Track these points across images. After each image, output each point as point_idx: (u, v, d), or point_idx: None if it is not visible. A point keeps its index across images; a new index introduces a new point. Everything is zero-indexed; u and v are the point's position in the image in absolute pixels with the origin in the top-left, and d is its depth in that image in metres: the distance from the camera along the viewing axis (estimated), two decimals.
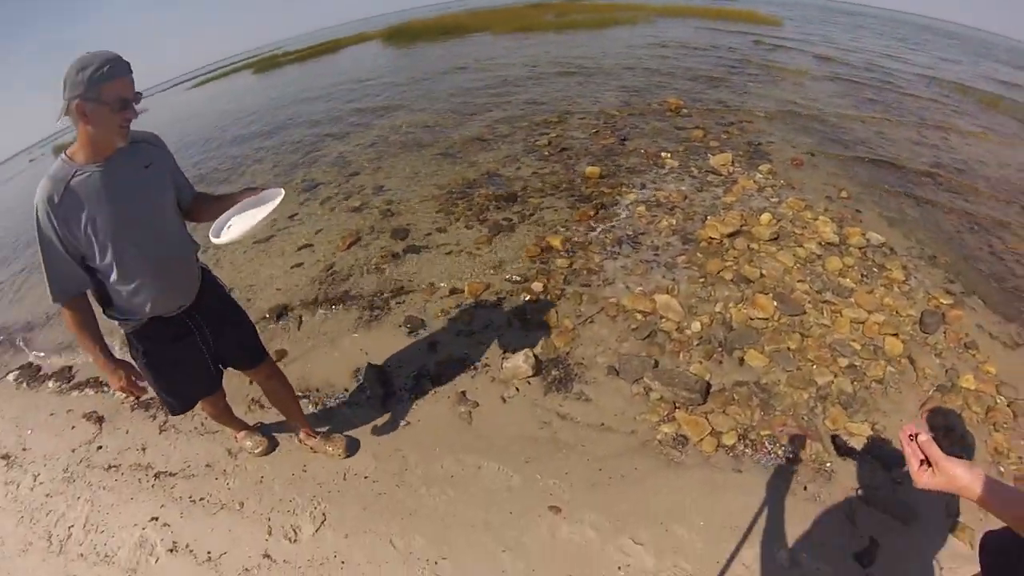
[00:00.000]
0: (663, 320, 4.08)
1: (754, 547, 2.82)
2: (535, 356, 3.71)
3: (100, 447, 3.50)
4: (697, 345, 3.88)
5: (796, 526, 2.93)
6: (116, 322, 2.32)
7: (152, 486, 3.05)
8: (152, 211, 2.18)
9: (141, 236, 2.14)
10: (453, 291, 4.31)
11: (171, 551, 2.68)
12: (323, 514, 2.82)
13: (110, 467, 3.17)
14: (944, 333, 4.01)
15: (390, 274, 4.56)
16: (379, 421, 3.33)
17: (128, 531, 2.75)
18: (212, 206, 2.36)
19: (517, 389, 3.52)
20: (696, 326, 3.99)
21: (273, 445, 3.22)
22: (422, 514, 2.78)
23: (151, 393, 2.54)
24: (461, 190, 5.81)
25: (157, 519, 2.82)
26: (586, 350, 3.82)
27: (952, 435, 3.43)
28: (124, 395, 2.53)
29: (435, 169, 6.49)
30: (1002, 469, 3.33)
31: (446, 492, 2.94)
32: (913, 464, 1.32)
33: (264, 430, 3.38)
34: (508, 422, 3.31)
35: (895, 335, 3.93)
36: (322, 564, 2.63)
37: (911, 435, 1.36)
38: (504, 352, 3.76)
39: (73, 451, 3.32)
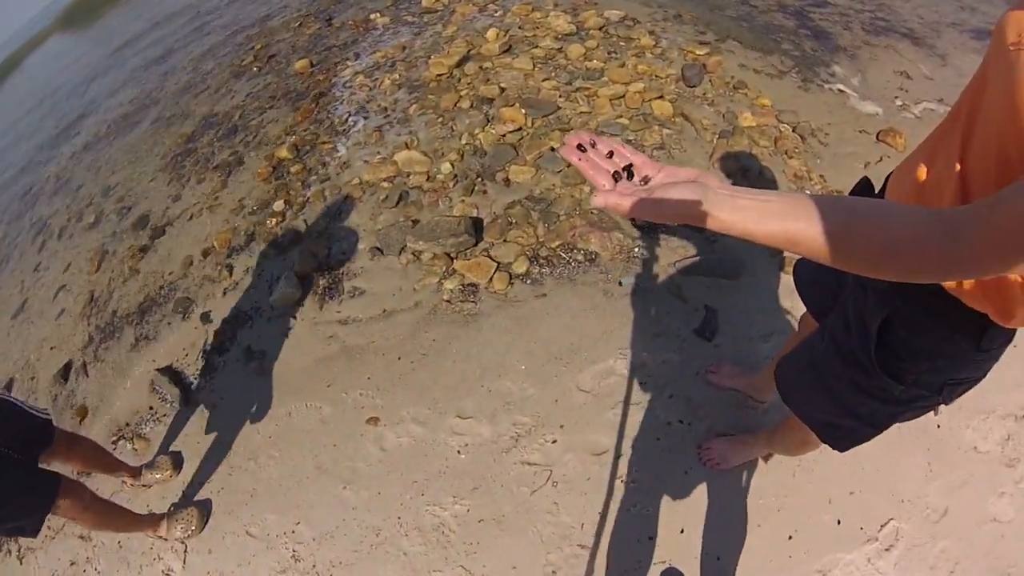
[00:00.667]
0: (410, 177, 3.36)
1: (588, 367, 2.41)
2: (296, 275, 3.10)
3: None
4: (454, 186, 3.24)
5: (624, 326, 2.51)
6: None
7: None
8: None
9: None
10: (206, 252, 3.66)
11: None
12: (182, 543, 2.44)
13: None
14: (710, 82, 3.61)
15: (146, 271, 3.89)
16: (190, 420, 2.90)
17: None
18: None
19: (293, 317, 3.00)
20: (446, 167, 3.32)
21: (205, 509, 2.50)
22: (262, 490, 2.49)
23: None
24: (183, 148, 5.07)
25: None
26: (345, 244, 3.23)
27: (750, 174, 3.05)
28: None
29: (153, 141, 5.60)
30: (808, 191, 2.92)
31: (272, 455, 2.59)
32: (600, 181, 0.84)
33: (178, 504, 2.61)
34: (297, 355, 2.90)
35: (660, 97, 3.47)
36: None
37: (580, 144, 0.89)
38: (269, 287, 3.18)
39: None
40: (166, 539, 2.41)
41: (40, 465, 2.07)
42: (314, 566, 2.19)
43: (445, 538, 2.10)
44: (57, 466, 2.25)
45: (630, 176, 0.83)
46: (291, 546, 2.27)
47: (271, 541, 2.30)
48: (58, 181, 6.24)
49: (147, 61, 8.30)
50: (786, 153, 3.22)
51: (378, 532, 2.18)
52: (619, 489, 2.06)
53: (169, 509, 2.51)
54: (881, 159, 3.24)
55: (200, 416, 2.88)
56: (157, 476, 2.67)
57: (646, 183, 0.81)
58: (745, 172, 3.08)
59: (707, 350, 2.33)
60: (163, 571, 2.41)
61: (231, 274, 3.40)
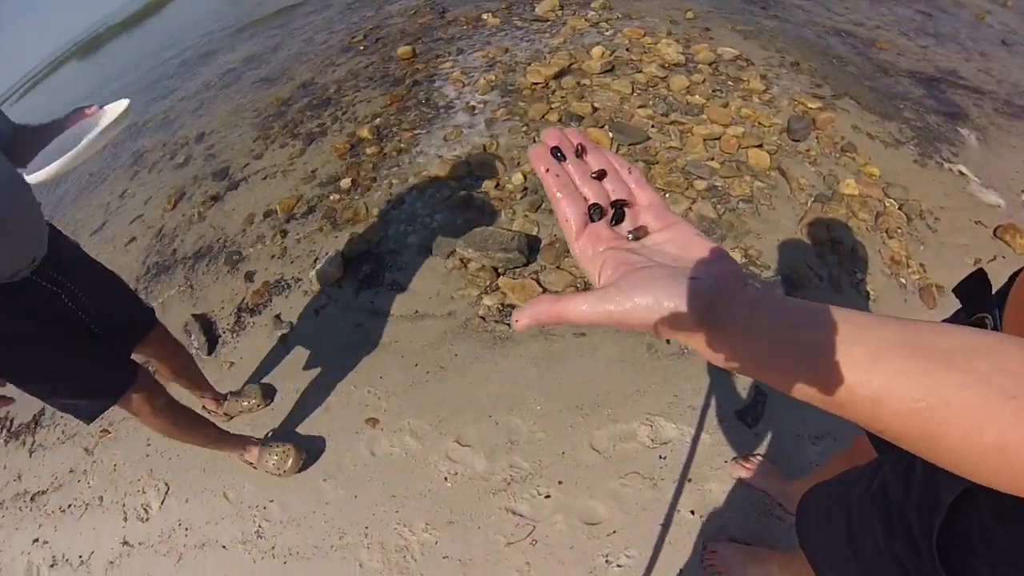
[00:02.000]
0: (480, 181, 3.22)
1: (608, 425, 2.17)
2: (343, 255, 3.01)
3: None
4: (521, 198, 3.06)
5: (659, 389, 2.27)
6: None
7: (31, 510, 2.75)
8: None
9: None
10: (267, 214, 3.65)
11: (52, 566, 2.42)
12: (166, 484, 2.48)
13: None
14: (816, 139, 3.29)
15: (211, 219, 3.96)
16: (207, 371, 2.70)
17: (17, 561, 2.50)
18: (37, 138, 1.75)
19: (328, 296, 2.90)
20: (518, 178, 3.15)
21: (311, 449, 2.38)
22: None
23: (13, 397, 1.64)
24: (277, 111, 5.11)
25: (37, 540, 2.53)
26: (398, 233, 3.11)
27: (840, 248, 2.71)
28: None
29: (253, 99, 5.74)
30: (903, 281, 2.62)
31: (267, 427, 2.52)
32: (566, 214, 0.54)
33: (278, 435, 2.52)
34: (322, 334, 2.82)
35: (759, 146, 3.18)
36: (170, 536, 2.32)
37: (558, 149, 0.57)
38: (315, 261, 3.11)
39: None
40: (255, 466, 2.30)
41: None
42: (273, 548, 2.10)
43: (405, 563, 1.93)
44: (140, 361, 2.07)
45: (616, 218, 0.53)
46: (259, 520, 2.20)
47: (242, 510, 2.24)
48: (164, 118, 6.51)
49: (269, 25, 8.58)
50: (887, 231, 2.86)
51: (342, 535, 2.04)
52: (600, 568, 1.80)
53: (267, 435, 2.45)
54: (995, 258, 2.84)
55: (218, 371, 2.84)
56: (244, 404, 2.58)
57: (637, 238, 0.52)
58: (835, 245, 2.75)
59: (745, 438, 2.03)
60: (142, 504, 2.43)
61: (283, 239, 3.35)
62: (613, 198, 0.55)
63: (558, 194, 0.54)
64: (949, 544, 0.74)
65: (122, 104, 1.72)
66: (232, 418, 2.57)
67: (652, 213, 0.54)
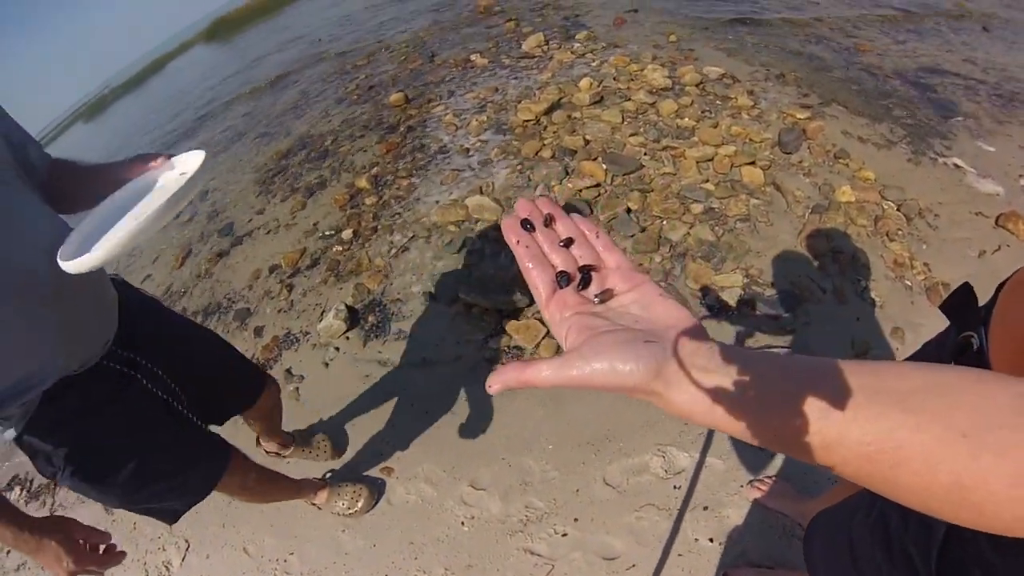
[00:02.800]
0: (478, 223, 3.26)
1: (620, 460, 2.18)
2: (347, 307, 3.06)
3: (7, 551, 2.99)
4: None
5: (669, 420, 2.25)
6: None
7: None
8: None
9: None
10: (272, 269, 3.72)
11: None
12: (186, 541, 2.46)
13: (19, 567, 2.70)
14: (808, 149, 3.33)
15: (218, 275, 4.05)
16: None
17: None
18: (85, 183, 1.37)
19: (337, 348, 2.95)
20: None
21: (375, 488, 2.35)
22: (268, 511, 2.40)
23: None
24: (277, 165, 5.27)
25: None
26: (401, 283, 3.16)
27: (842, 257, 2.72)
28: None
29: (253, 154, 5.92)
30: (908, 283, 2.61)
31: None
32: (536, 282, 0.58)
33: (339, 473, 2.52)
34: (332, 386, 2.82)
35: (752, 163, 3.21)
36: None
37: (527, 221, 0.62)
38: (321, 314, 3.15)
39: None
40: (320, 508, 2.22)
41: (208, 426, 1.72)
42: None
43: None
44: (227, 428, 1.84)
45: (584, 283, 0.56)
46: (279, 573, 2.20)
47: (263, 564, 2.25)
48: None
49: (266, 79, 8.82)
50: (887, 235, 2.86)
51: None
52: None
53: (325, 476, 2.41)
54: (999, 248, 2.81)
55: (232, 425, 2.80)
56: (312, 454, 2.43)
57: (602, 301, 0.55)
58: (837, 255, 2.75)
59: (759, 461, 2.02)
60: (163, 562, 2.42)
61: (290, 293, 3.42)
62: (581, 263, 0.58)
63: (528, 264, 0.58)
64: (948, 569, 0.75)
65: (197, 157, 1.32)
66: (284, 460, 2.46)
67: (619, 275, 0.56)
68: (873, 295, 2.61)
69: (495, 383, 0.50)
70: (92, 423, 1.33)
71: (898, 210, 2.99)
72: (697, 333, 0.47)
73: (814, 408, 0.39)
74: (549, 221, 0.61)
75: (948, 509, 0.36)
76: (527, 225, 0.60)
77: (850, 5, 5.47)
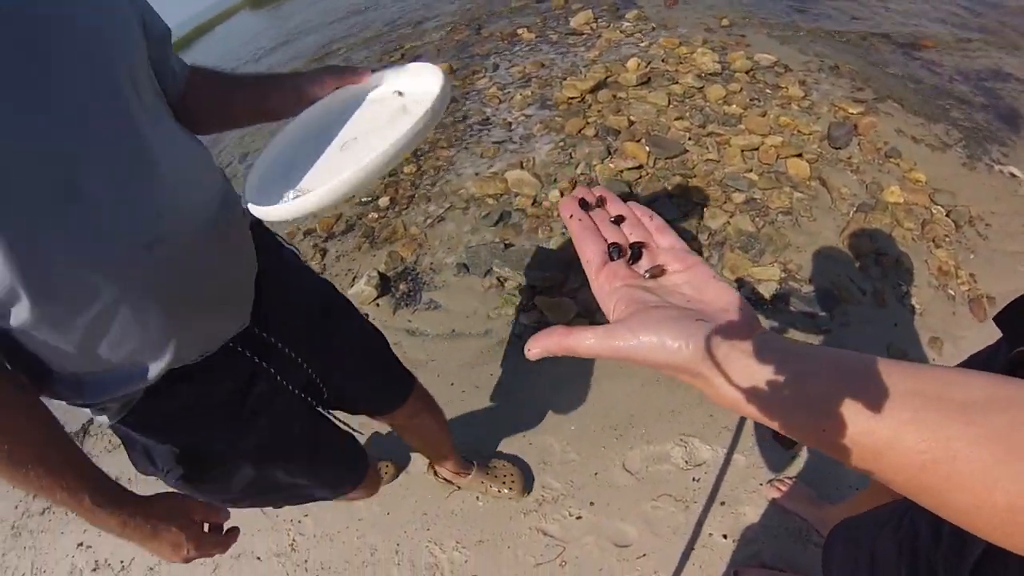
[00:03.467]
0: (517, 198, 3.25)
1: (641, 446, 2.15)
2: (380, 274, 3.05)
3: (35, 495, 2.86)
4: (558, 216, 3.01)
5: (694, 410, 2.23)
6: (90, 408, 0.97)
7: (76, 516, 2.38)
8: (109, 114, 0.80)
9: (88, 187, 0.77)
10: (307, 232, 3.71)
11: (94, 570, 2.44)
12: None
13: (44, 511, 2.80)
14: (858, 145, 3.22)
15: None
16: None
17: (62, 563, 2.54)
18: (238, 97, 1.11)
19: (366, 315, 2.88)
20: (555, 195, 3.17)
21: (398, 461, 2.32)
22: None
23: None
24: None
25: (81, 544, 2.57)
26: (435, 253, 3.15)
27: (885, 260, 2.64)
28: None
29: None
30: (951, 292, 2.53)
31: None
32: (588, 253, 0.57)
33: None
34: None
35: (799, 156, 3.12)
36: None
37: (584, 200, 0.62)
38: (353, 280, 3.15)
39: (16, 507, 2.90)
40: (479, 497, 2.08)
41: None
42: (306, 561, 2.13)
43: None
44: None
45: (634, 257, 0.55)
46: (293, 534, 2.22)
47: (277, 523, 2.27)
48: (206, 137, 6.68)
49: (308, 47, 8.76)
50: (933, 241, 2.75)
51: (374, 551, 2.07)
52: None
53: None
54: None
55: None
56: (494, 490, 2.06)
57: (653, 276, 0.53)
58: (879, 257, 2.67)
59: (781, 460, 1.99)
60: None
61: (323, 258, 3.42)
62: (632, 240, 0.56)
63: (579, 235, 0.57)
64: None
65: (433, 74, 0.96)
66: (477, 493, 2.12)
67: (671, 255, 0.54)
68: (914, 302, 2.53)
69: (535, 347, 0.49)
70: (209, 425, 1.08)
71: (947, 216, 2.88)
72: (750, 319, 0.46)
73: (869, 407, 0.36)
74: (601, 203, 0.61)
75: (999, 532, 0.34)
76: (583, 205, 0.60)
77: (912, 2, 5.23)
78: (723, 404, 0.43)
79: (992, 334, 2.25)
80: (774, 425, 0.41)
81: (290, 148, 0.99)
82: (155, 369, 0.92)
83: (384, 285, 3.03)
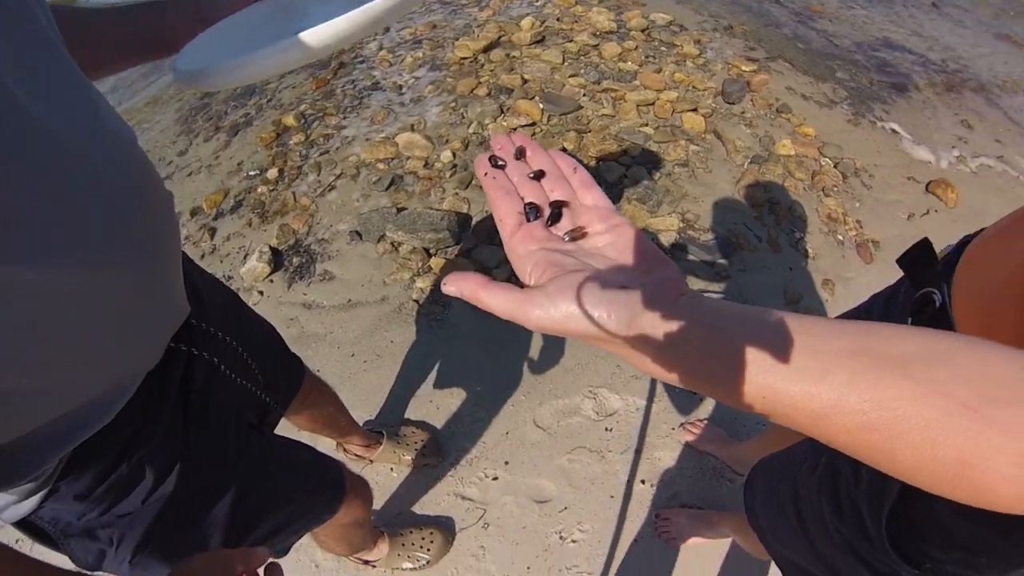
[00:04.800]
0: (408, 161, 3.13)
1: (550, 401, 2.13)
2: (272, 249, 2.90)
3: None
4: (450, 176, 3.00)
5: (601, 361, 2.23)
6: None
7: None
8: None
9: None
10: (194, 212, 3.47)
11: None
12: None
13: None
14: (751, 101, 3.31)
15: None
16: None
17: None
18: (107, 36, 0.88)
19: (261, 292, 2.80)
20: (447, 155, 3.08)
21: (447, 532, 1.90)
22: None
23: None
24: (200, 103, 4.83)
25: None
26: (327, 223, 3.03)
27: (778, 209, 2.74)
28: None
29: (175, 92, 5.41)
30: (840, 238, 2.67)
31: None
32: (501, 213, 0.53)
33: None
34: None
35: (694, 110, 3.16)
36: None
37: (495, 158, 0.57)
38: (244, 257, 2.97)
39: None
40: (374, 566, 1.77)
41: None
42: None
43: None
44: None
45: (553, 219, 0.51)
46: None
47: None
48: None
49: None
50: (823, 190, 2.91)
51: (298, 545, 1.95)
52: (555, 546, 1.78)
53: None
54: (928, 212, 2.93)
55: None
56: (406, 457, 1.93)
57: (574, 239, 0.49)
58: (773, 205, 2.77)
59: (691, 404, 2.03)
60: None
61: (212, 237, 3.20)
62: (552, 199, 0.53)
63: (494, 196, 0.53)
64: (900, 529, 0.75)
65: None
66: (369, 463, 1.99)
67: (595, 214, 0.51)
68: (807, 247, 2.65)
69: (452, 285, 0.46)
70: (162, 453, 0.82)
71: (835, 167, 3.04)
72: (676, 281, 0.43)
73: (810, 371, 0.35)
74: (521, 154, 0.56)
75: (946, 485, 0.34)
76: (498, 162, 0.56)
77: None
78: (650, 374, 0.42)
79: (877, 275, 2.38)
80: (713, 393, 0.39)
81: (232, 30, 0.83)
82: (119, 393, 0.72)
83: (277, 260, 2.88)
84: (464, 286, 0.45)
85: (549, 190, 0.54)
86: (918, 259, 0.89)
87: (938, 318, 0.77)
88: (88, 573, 0.79)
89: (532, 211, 0.51)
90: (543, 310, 0.41)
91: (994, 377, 0.33)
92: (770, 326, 0.37)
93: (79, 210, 0.58)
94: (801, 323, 0.37)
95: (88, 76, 0.70)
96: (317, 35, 0.66)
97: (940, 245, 0.90)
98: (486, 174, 0.55)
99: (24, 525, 0.73)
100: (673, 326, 0.38)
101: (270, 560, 0.84)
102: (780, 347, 0.36)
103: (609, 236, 0.49)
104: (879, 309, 1.03)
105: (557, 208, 0.51)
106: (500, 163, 0.56)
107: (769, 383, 0.36)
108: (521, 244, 0.49)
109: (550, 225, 0.51)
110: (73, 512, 0.75)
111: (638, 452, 1.92)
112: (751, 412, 0.38)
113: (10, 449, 0.60)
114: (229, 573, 0.75)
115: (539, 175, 0.54)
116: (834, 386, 0.34)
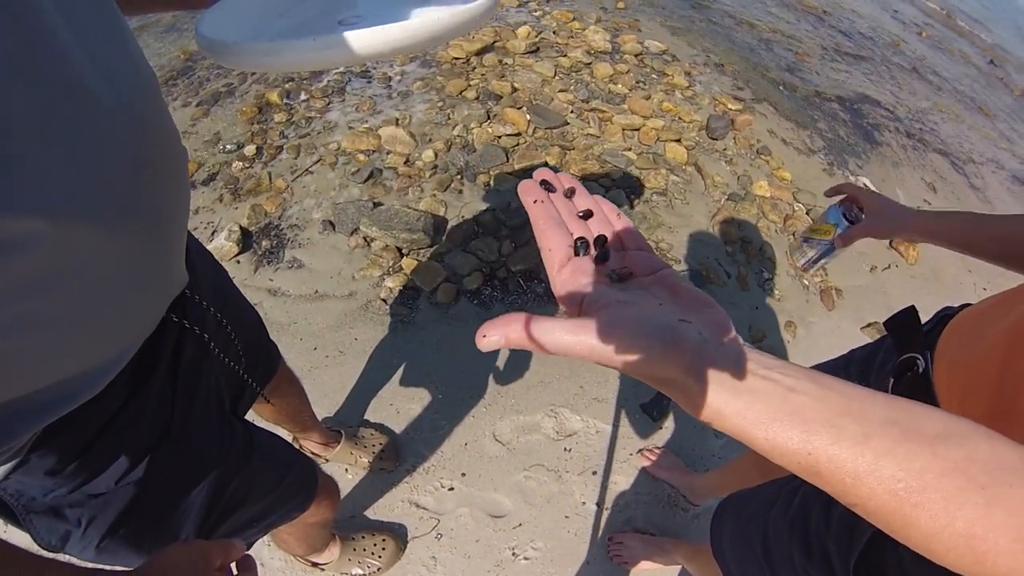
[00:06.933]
0: (389, 155, 3.12)
1: (511, 416, 2.14)
2: (241, 229, 2.85)
3: None
4: (430, 176, 3.00)
5: (564, 380, 2.26)
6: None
7: None
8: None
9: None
10: None
11: None
12: None
13: None
14: (734, 139, 3.41)
15: None
16: None
17: None
18: None
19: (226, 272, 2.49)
20: (428, 155, 3.08)
21: (399, 540, 1.86)
22: None
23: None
24: (183, 66, 4.69)
25: None
26: (301, 208, 2.98)
27: (750, 248, 2.82)
28: None
29: (154, 52, 5.11)
30: (806, 283, 2.77)
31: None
32: (550, 243, 0.52)
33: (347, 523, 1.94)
34: None
35: (678, 141, 3.24)
36: None
37: (546, 182, 0.57)
38: (212, 234, 2.89)
39: None
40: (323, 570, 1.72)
41: None
42: None
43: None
44: None
45: (602, 257, 0.51)
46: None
47: None
48: None
49: None
50: (793, 235, 3.01)
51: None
52: (507, 562, 1.79)
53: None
54: (889, 266, 3.08)
55: None
56: (363, 460, 1.91)
57: (621, 278, 0.49)
58: (745, 244, 2.86)
59: (650, 430, 2.08)
60: None
61: None
62: (596, 235, 0.53)
63: (542, 225, 0.53)
64: (867, 573, 0.79)
65: None
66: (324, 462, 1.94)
67: (639, 259, 0.52)
68: (774, 288, 2.74)
69: (493, 333, 0.42)
70: (143, 433, 0.80)
71: (807, 214, 3.15)
72: (728, 327, 0.44)
73: (854, 436, 0.37)
74: (570, 194, 0.57)
75: (952, 555, 0.37)
76: (547, 186, 0.56)
77: (797, 18, 5.66)
78: (695, 414, 0.41)
79: (838, 322, 2.47)
80: (756, 444, 0.39)
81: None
82: (113, 363, 0.69)
83: (246, 241, 2.82)
84: (508, 331, 0.42)
85: (595, 231, 0.54)
86: (904, 324, 0.95)
87: (919, 383, 0.83)
88: (49, 554, 0.76)
89: (583, 246, 0.51)
90: (602, 340, 0.40)
91: (1003, 461, 0.37)
92: (820, 384, 0.39)
93: (104, 161, 0.57)
94: (836, 384, 0.40)
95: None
96: (365, 39, 0.63)
97: (899, 298, 0.99)
98: (535, 201, 0.54)
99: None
100: (732, 371, 0.40)
101: (245, 553, 0.83)
102: (830, 408, 0.38)
103: (653, 279, 0.50)
104: (857, 365, 1.10)
105: (605, 247, 0.51)
106: (548, 188, 0.56)
107: (814, 441, 0.37)
108: (571, 278, 0.49)
109: (599, 262, 0.51)
110: (40, 488, 0.72)
111: (595, 474, 1.95)
112: (783, 464, 0.39)
113: None
114: (208, 566, 0.73)
115: (587, 215, 0.55)
116: (874, 452, 0.37)
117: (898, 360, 0.89)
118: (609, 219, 0.55)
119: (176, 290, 0.81)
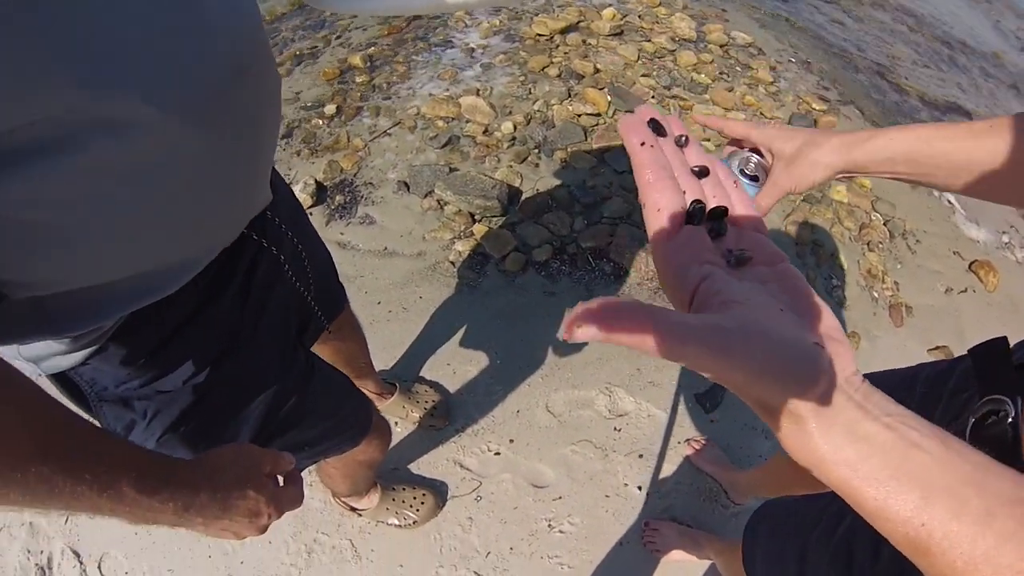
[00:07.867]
0: (468, 124, 3.16)
1: (566, 390, 2.14)
2: (317, 183, 2.91)
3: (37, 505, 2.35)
4: (508, 147, 3.03)
5: (621, 360, 2.24)
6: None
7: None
8: None
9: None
10: None
11: None
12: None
13: None
14: None
15: None
16: None
17: None
18: None
19: None
20: (508, 127, 3.10)
21: (439, 497, 1.91)
22: None
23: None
24: (268, 27, 4.77)
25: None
26: (377, 168, 3.03)
27: (821, 251, 2.74)
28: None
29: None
30: (875, 294, 2.67)
31: None
32: (655, 197, 0.41)
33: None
34: None
35: None
36: None
37: (655, 121, 0.47)
38: (288, 183, 2.81)
39: None
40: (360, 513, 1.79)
41: None
42: None
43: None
44: None
45: (718, 230, 0.42)
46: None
47: None
48: None
49: None
50: (868, 244, 2.91)
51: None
52: (542, 532, 1.82)
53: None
54: (966, 290, 2.93)
55: None
56: (414, 414, 1.95)
57: (739, 263, 0.40)
58: (817, 247, 2.79)
59: (701, 421, 2.06)
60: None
61: None
62: (712, 204, 0.43)
63: (650, 176, 0.42)
64: None
65: None
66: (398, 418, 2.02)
67: (755, 242, 0.42)
68: (842, 295, 2.66)
69: (586, 321, 0.31)
70: (212, 339, 0.84)
71: (884, 224, 3.04)
72: (850, 352, 0.36)
73: (977, 512, 0.31)
74: (684, 142, 0.47)
75: None
76: (655, 127, 0.46)
77: (893, 20, 5.43)
78: (800, 455, 0.34)
79: (904, 340, 2.38)
80: (861, 500, 0.33)
81: None
82: (193, 263, 0.72)
83: (320, 194, 2.90)
84: (615, 323, 0.31)
85: (711, 195, 0.44)
86: (991, 358, 0.81)
87: (1004, 434, 0.71)
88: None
89: (698, 211, 0.41)
90: (733, 346, 0.32)
91: None
92: (943, 441, 0.33)
93: (207, 62, 0.59)
94: (968, 451, 0.33)
95: None
96: None
97: (972, 325, 0.89)
98: (642, 143, 0.43)
99: (62, 381, 0.75)
100: (854, 409, 0.33)
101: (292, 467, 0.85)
102: (955, 475, 0.32)
103: (770, 270, 0.40)
104: (923, 385, 0.97)
105: (723, 219, 0.42)
106: (660, 129, 0.46)
107: (932, 512, 0.31)
108: (684, 251, 0.40)
109: (715, 237, 0.42)
110: (114, 377, 0.76)
111: (641, 457, 1.96)
112: (884, 529, 0.33)
113: (77, 296, 0.62)
114: (257, 470, 0.75)
115: (703, 172, 0.45)
116: (997, 534, 0.30)
117: (981, 399, 0.76)
118: (724, 185, 0.46)
119: (260, 206, 0.84)
